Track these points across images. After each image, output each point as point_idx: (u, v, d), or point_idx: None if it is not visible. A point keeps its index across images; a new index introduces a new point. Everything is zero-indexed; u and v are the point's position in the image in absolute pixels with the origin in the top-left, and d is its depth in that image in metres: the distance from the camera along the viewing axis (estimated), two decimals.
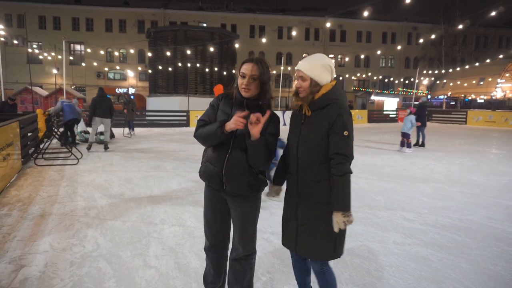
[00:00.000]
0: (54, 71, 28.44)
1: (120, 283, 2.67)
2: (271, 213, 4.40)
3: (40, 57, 31.69)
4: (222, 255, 2.24)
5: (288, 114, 20.04)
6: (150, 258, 3.09)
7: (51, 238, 3.50)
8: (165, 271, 2.87)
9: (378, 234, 3.70)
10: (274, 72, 39.06)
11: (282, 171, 2.19)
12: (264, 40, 21.17)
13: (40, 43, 35.66)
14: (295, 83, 2.01)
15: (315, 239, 1.96)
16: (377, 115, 24.53)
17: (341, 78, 40.81)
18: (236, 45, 23.39)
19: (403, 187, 5.81)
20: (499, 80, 26.42)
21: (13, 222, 3.94)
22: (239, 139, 1.99)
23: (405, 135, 9.93)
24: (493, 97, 27.85)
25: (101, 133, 10.48)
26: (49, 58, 28.41)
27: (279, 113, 19.78)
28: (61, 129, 10.03)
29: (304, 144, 1.96)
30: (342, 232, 1.95)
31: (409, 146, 9.95)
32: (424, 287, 2.66)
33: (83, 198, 4.96)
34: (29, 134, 8.24)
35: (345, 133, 1.85)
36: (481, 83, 27.86)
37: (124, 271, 2.85)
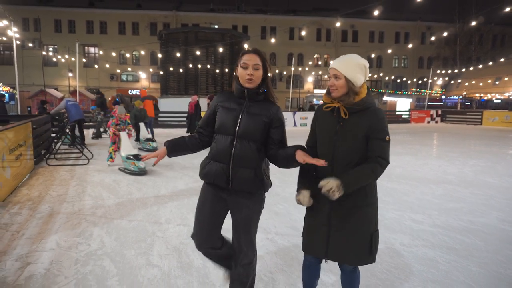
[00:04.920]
0: (70, 74, 29.09)
1: (122, 281, 2.68)
2: (276, 213, 4.37)
3: (54, 59, 32.34)
4: (216, 252, 2.21)
5: (299, 114, 19.93)
6: (154, 257, 3.10)
7: (58, 236, 3.55)
8: (167, 270, 2.87)
9: (384, 236, 3.62)
10: (285, 73, 39.08)
11: (310, 170, 2.05)
12: (275, 41, 21.20)
13: (55, 46, 36.47)
14: (330, 83, 1.96)
15: (351, 244, 1.93)
16: (389, 116, 24.20)
17: None
18: (246, 46, 23.41)
19: (413, 188, 5.70)
20: None
21: (23, 220, 4.02)
22: (243, 129, 1.96)
23: None
24: (510, 97, 27.14)
25: (151, 140, 9.48)
26: (63, 60, 29.00)
27: (289, 113, 19.71)
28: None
29: (343, 148, 1.91)
30: (377, 236, 1.98)
31: None
32: None
33: (91, 197, 5.03)
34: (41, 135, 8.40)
35: (387, 138, 1.89)
36: (497, 82, 27.19)
37: (127, 270, 2.86)
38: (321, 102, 2.14)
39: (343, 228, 1.93)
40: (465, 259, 3.12)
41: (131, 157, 6.56)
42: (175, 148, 2.09)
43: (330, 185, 1.79)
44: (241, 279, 2.11)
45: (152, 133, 11.45)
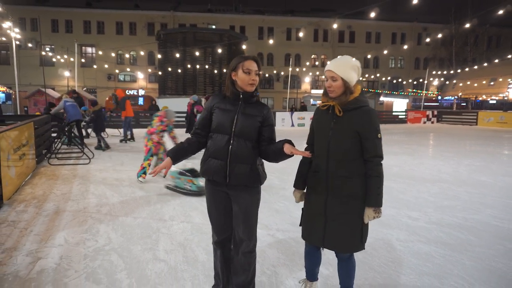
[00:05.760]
0: (66, 73, 29.06)
1: (131, 275, 2.79)
2: (276, 210, 4.49)
3: (54, 59, 32.29)
4: (230, 248, 2.36)
5: (296, 114, 20.07)
6: (160, 252, 3.21)
7: (66, 233, 3.65)
8: (174, 264, 2.98)
9: (382, 232, 3.76)
10: (283, 73, 39.24)
11: (303, 175, 2.30)
12: (272, 41, 21.36)
13: (52, 46, 36.42)
14: (327, 84, 2.13)
15: (344, 233, 2.11)
16: (386, 116, 24.40)
17: None
18: (244, 47, 23.56)
19: (409, 187, 5.84)
20: (510, 81, 26.02)
21: (29, 217, 4.11)
22: (240, 128, 2.11)
23: None
24: (505, 98, 27.44)
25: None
26: (62, 60, 28.99)
27: (287, 114, 19.84)
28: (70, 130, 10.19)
29: (337, 143, 2.08)
30: (367, 226, 2.16)
31: None
32: (426, 282, 2.72)
33: (95, 196, 5.12)
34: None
35: (379, 135, 2.06)
36: (492, 83, 27.48)
37: (135, 264, 2.97)
38: (318, 102, 2.30)
39: (338, 219, 2.10)
40: (459, 253, 3.25)
41: (186, 172, 5.10)
42: (178, 156, 2.24)
43: (370, 217, 2.07)
44: (244, 267, 2.24)
45: (132, 133, 12.04)
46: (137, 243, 3.42)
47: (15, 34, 11.23)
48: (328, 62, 2.14)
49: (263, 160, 2.27)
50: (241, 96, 2.17)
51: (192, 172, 5.16)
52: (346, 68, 2.06)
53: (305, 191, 2.33)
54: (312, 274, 2.42)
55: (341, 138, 2.07)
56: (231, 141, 2.11)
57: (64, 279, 2.70)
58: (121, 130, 14.29)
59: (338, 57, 2.14)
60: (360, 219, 2.10)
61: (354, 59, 2.12)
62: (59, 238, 3.51)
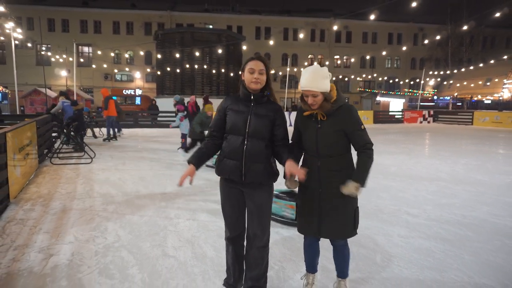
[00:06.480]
0: (64, 73, 29.00)
1: (142, 270, 2.87)
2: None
3: (53, 59, 32.18)
4: (241, 245, 2.46)
5: (294, 115, 20.19)
6: (169, 249, 3.30)
7: (75, 230, 3.73)
8: (183, 260, 3.07)
9: (383, 228, 3.87)
10: (280, 73, 39.35)
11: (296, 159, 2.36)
12: (270, 41, 21.46)
13: (49, 45, 36.26)
14: (307, 99, 2.24)
15: (339, 221, 2.27)
16: (382, 116, 24.58)
17: (346, 79, 40.99)
18: (245, 47, 23.63)
19: (408, 185, 5.96)
20: (505, 81, 26.31)
21: (37, 216, 4.18)
22: (253, 129, 2.21)
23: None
24: (500, 98, 27.73)
25: None
26: (61, 60, 28.92)
27: (285, 113, 19.96)
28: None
29: (324, 143, 2.24)
30: (358, 213, 2.32)
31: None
32: (427, 276, 2.83)
33: (100, 194, 5.19)
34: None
35: (362, 127, 2.23)
36: (488, 83, 27.75)
37: (145, 260, 3.06)
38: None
39: (332, 209, 2.26)
40: (458, 248, 3.37)
41: (284, 195, 3.84)
42: (199, 161, 2.39)
43: (351, 190, 2.14)
44: (257, 262, 2.33)
45: (114, 132, 12.18)
46: (145, 240, 3.50)
47: (18, 34, 11.23)
48: (302, 79, 2.19)
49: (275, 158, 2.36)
50: (252, 97, 2.26)
51: (292, 195, 3.84)
52: (321, 80, 2.16)
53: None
54: (312, 266, 2.55)
55: (327, 138, 2.22)
56: (245, 142, 2.21)
57: (78, 274, 2.78)
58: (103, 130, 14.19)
59: (308, 72, 2.18)
60: (353, 206, 2.27)
61: (320, 67, 2.20)
62: (68, 235, 3.58)
